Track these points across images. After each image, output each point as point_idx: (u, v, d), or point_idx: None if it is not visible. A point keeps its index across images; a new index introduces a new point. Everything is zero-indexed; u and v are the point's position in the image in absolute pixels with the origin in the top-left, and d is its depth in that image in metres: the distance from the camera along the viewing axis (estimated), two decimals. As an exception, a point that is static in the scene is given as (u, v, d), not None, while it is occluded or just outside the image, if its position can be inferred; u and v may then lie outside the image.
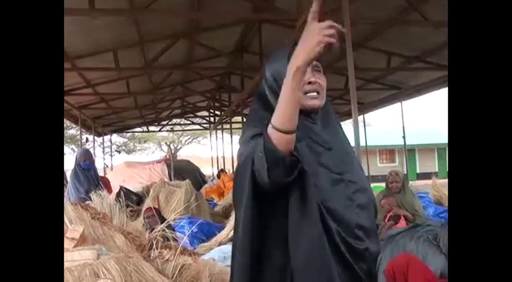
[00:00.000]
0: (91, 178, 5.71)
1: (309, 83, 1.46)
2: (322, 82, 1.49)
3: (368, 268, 1.43)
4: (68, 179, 6.01)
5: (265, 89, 1.52)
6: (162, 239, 3.31)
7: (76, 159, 5.83)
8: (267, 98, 1.49)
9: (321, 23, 1.21)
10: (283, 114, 1.24)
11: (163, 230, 3.38)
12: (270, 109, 1.42)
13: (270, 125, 1.25)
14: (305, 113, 1.46)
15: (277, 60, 1.52)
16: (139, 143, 28.58)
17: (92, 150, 9.24)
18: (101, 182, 5.88)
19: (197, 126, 19.31)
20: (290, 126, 1.23)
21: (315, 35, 1.19)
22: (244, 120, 12.00)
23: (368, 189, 1.52)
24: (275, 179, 1.23)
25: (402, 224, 4.39)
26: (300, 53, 1.21)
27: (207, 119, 17.16)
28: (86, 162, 5.76)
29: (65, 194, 5.59)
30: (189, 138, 29.28)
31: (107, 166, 16.85)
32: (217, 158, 16.23)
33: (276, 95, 1.46)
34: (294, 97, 1.23)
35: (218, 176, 11.72)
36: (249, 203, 1.32)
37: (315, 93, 1.46)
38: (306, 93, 1.45)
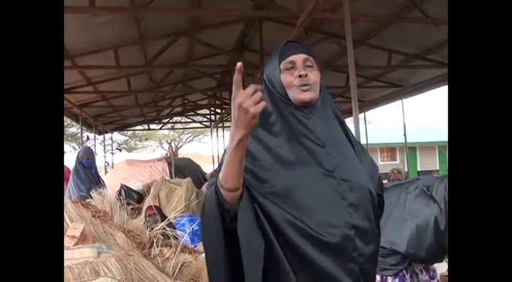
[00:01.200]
0: (92, 176, 5.73)
1: (299, 76, 1.47)
2: (314, 76, 1.49)
3: (360, 269, 1.39)
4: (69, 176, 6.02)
5: (263, 88, 1.54)
6: (162, 237, 3.31)
7: (78, 157, 5.84)
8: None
9: (244, 91, 1.26)
10: (226, 174, 1.29)
11: (164, 228, 3.39)
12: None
13: (217, 180, 1.32)
14: (298, 108, 1.47)
15: (270, 60, 1.57)
16: (140, 141, 28.54)
17: (93, 148, 9.24)
18: (101, 180, 5.91)
19: (198, 124, 19.30)
20: (232, 185, 1.29)
21: (245, 110, 1.22)
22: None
23: (366, 187, 1.47)
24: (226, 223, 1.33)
25: None
26: (239, 127, 1.24)
27: (208, 117, 17.16)
28: (89, 160, 5.78)
29: (66, 192, 5.61)
30: (189, 136, 29.27)
31: (107, 164, 16.86)
32: (218, 156, 16.22)
33: (270, 93, 1.51)
34: (237, 163, 1.28)
35: (219, 174, 11.69)
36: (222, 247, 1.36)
37: (306, 87, 1.46)
38: (298, 87, 1.47)
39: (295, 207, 1.36)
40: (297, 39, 1.44)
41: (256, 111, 1.21)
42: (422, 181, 3.14)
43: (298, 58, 1.50)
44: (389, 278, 3.02)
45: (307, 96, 1.46)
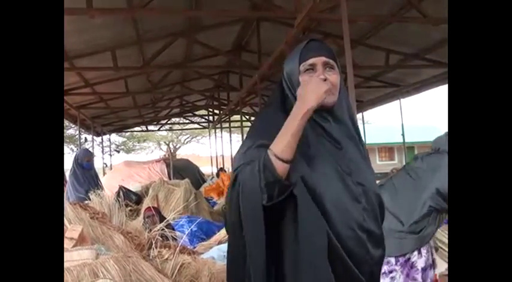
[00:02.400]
0: (91, 178, 5.72)
1: None
2: (334, 80, 1.48)
3: (371, 271, 1.42)
4: (67, 178, 6.00)
5: (282, 82, 1.56)
6: (161, 238, 3.31)
7: (77, 159, 5.82)
8: (285, 91, 1.54)
9: (320, 78, 1.41)
10: (284, 144, 1.29)
11: (162, 229, 3.38)
12: (285, 102, 1.52)
13: (269, 151, 1.29)
14: (316, 111, 1.46)
15: (291, 59, 1.55)
16: (138, 142, 28.54)
17: (91, 150, 9.24)
18: (99, 182, 5.89)
19: (196, 125, 19.32)
20: (288, 156, 1.28)
21: (323, 85, 1.37)
22: (243, 118, 11.99)
23: (377, 193, 1.50)
24: (268, 198, 1.28)
25: None
26: (311, 97, 1.33)
27: (206, 117, 17.16)
28: (89, 162, 5.78)
29: (64, 194, 5.59)
30: (188, 137, 29.26)
31: (106, 165, 16.83)
32: (217, 156, 16.23)
33: (290, 91, 1.52)
34: (298, 133, 1.30)
35: (217, 175, 11.71)
36: (260, 217, 1.30)
37: None
38: None
39: (318, 206, 1.36)
40: (319, 39, 1.46)
41: (328, 86, 1.37)
42: (433, 143, 3.10)
43: (319, 61, 1.48)
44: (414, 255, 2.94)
45: (325, 100, 1.44)
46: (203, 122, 18.10)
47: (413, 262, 2.86)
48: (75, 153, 6.24)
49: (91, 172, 5.78)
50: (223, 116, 14.20)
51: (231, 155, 13.07)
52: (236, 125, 14.55)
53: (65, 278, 2.18)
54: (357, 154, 1.51)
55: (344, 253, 1.35)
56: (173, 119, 18.06)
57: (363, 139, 1.62)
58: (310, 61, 1.48)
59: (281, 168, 1.27)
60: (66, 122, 15.17)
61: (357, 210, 1.41)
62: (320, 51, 1.50)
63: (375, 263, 1.43)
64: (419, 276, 2.87)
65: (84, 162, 5.72)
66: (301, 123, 1.30)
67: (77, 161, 5.77)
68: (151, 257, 3.04)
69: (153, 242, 3.16)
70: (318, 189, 1.36)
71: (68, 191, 5.58)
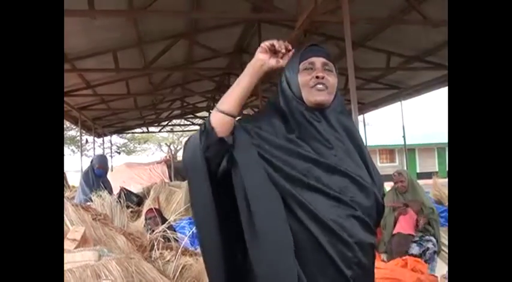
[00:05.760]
0: (100, 184, 5.74)
1: (317, 77, 1.50)
2: (332, 80, 1.52)
3: (359, 260, 1.42)
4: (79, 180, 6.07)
5: (281, 85, 1.59)
6: (163, 240, 3.32)
7: (92, 162, 5.89)
8: (284, 90, 1.58)
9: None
10: (227, 96, 1.43)
11: (164, 231, 3.39)
12: (280, 109, 1.55)
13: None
14: (310, 109, 1.49)
15: (292, 59, 1.58)
16: (139, 144, 28.50)
17: (92, 151, 9.26)
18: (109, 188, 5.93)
19: (197, 127, 19.27)
20: (229, 108, 1.41)
21: (260, 49, 1.53)
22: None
23: (371, 190, 1.50)
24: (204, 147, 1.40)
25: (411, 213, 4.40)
26: (252, 62, 1.50)
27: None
28: (100, 169, 5.81)
29: (72, 195, 5.64)
30: (189, 139, 29.18)
31: (107, 167, 16.80)
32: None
33: (289, 88, 1.56)
34: (244, 81, 1.44)
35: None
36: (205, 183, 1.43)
37: (321, 86, 1.49)
38: (312, 87, 1.49)
39: (304, 196, 1.41)
40: (319, 44, 1.53)
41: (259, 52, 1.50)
42: None
43: (318, 60, 1.53)
44: None
45: (320, 97, 1.49)
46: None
47: None
48: (91, 158, 6.28)
49: (100, 180, 5.81)
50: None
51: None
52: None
53: (68, 279, 2.19)
54: (350, 155, 1.53)
55: (322, 236, 1.39)
56: (174, 121, 18.05)
57: (363, 141, 1.64)
58: (311, 60, 1.54)
59: (216, 116, 1.40)
60: (67, 124, 15.21)
61: (347, 203, 1.44)
62: (320, 52, 1.57)
63: (364, 252, 1.45)
64: None
65: (96, 168, 5.75)
66: (247, 72, 1.45)
67: (91, 165, 5.83)
68: (153, 259, 3.05)
69: (155, 244, 3.17)
70: (303, 184, 1.41)
71: (78, 192, 5.63)
